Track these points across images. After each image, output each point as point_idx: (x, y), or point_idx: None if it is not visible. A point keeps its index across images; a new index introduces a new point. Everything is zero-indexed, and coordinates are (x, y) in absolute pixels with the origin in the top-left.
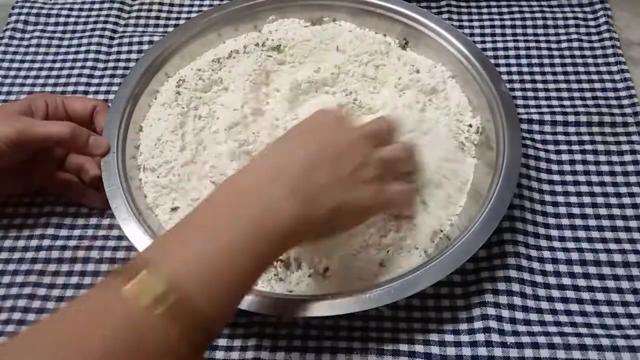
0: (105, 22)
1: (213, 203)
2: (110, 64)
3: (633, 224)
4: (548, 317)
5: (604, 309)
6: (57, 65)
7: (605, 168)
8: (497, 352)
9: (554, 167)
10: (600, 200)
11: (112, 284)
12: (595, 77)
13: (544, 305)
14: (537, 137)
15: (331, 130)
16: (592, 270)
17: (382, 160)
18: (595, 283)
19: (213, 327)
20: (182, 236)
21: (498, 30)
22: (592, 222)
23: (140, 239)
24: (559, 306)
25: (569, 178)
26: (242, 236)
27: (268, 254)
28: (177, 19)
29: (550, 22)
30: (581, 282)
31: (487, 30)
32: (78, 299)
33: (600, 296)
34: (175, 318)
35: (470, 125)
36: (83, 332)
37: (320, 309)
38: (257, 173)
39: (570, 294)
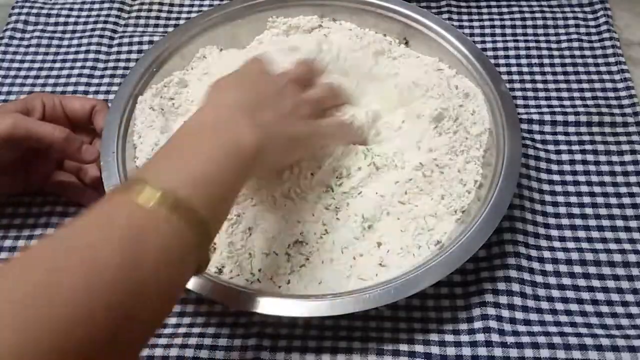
0: (105, 22)
1: (185, 133)
2: (110, 64)
3: (633, 224)
4: (548, 317)
5: (604, 309)
6: (57, 65)
7: (605, 168)
8: (497, 352)
9: (554, 167)
10: (600, 200)
11: (112, 199)
12: (595, 77)
13: (544, 305)
14: (537, 137)
15: (262, 79)
16: (592, 270)
17: (312, 100)
18: (595, 283)
19: (208, 227)
20: (166, 157)
21: (498, 30)
22: (592, 222)
23: None
24: (559, 306)
25: (569, 178)
26: (221, 151)
27: (242, 172)
28: (177, 19)
29: (550, 22)
30: (581, 282)
31: (487, 30)
32: (81, 214)
33: (600, 296)
34: (175, 215)
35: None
36: (88, 235)
37: (320, 309)
38: (214, 112)
39: (570, 294)
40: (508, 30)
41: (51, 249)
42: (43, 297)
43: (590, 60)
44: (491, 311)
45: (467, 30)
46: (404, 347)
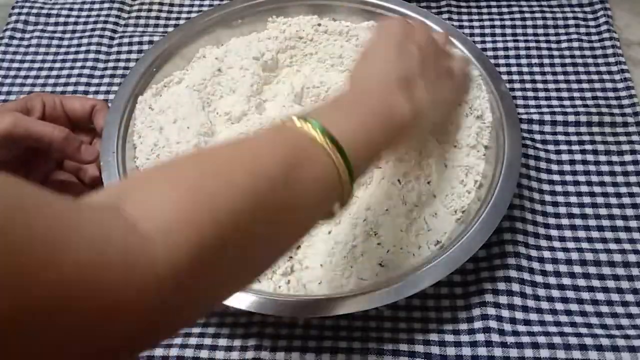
0: (105, 22)
1: (346, 96)
2: (110, 64)
3: (633, 224)
4: (548, 317)
5: (604, 309)
6: (57, 65)
7: (605, 168)
8: (497, 352)
9: (554, 167)
10: (600, 200)
11: (279, 125)
12: (595, 77)
13: (544, 305)
14: (537, 137)
15: (405, 46)
16: (592, 270)
17: (443, 51)
18: (595, 283)
19: (356, 169)
20: (327, 109)
21: (498, 30)
22: (592, 222)
23: None
24: (559, 306)
25: (569, 178)
26: (376, 119)
27: (389, 138)
28: (177, 19)
29: (550, 22)
30: (581, 282)
31: (487, 30)
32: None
33: (600, 296)
34: (335, 148)
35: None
36: (254, 147)
37: (320, 309)
38: (372, 81)
39: (570, 294)
40: (508, 30)
41: (218, 150)
42: (217, 187)
43: (590, 60)
44: (491, 311)
45: (467, 30)
46: (404, 347)
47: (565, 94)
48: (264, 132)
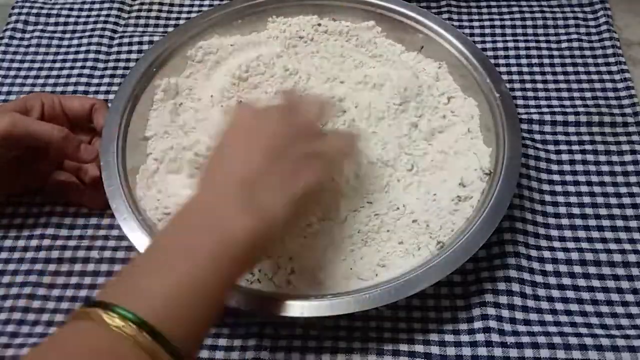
0: (105, 22)
1: (164, 241)
2: (110, 64)
3: (633, 224)
4: (548, 317)
5: (604, 309)
6: (57, 65)
7: (605, 168)
8: (497, 352)
9: (554, 167)
10: (600, 200)
11: (73, 323)
12: (595, 77)
13: (544, 305)
14: (537, 137)
15: (254, 128)
16: (592, 270)
17: (305, 129)
18: (595, 283)
19: (182, 353)
20: (139, 277)
21: (498, 30)
22: (592, 222)
23: (140, 239)
24: (559, 306)
25: (569, 178)
26: (202, 265)
27: (233, 273)
28: (177, 19)
29: (550, 22)
30: (581, 282)
31: (487, 30)
32: (48, 339)
33: (600, 296)
34: (144, 344)
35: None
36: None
37: (320, 309)
38: (202, 202)
39: (570, 294)
40: (508, 30)
41: None
42: None
43: (590, 60)
44: (491, 311)
45: (467, 30)
46: (404, 347)
47: (565, 94)
48: (62, 342)
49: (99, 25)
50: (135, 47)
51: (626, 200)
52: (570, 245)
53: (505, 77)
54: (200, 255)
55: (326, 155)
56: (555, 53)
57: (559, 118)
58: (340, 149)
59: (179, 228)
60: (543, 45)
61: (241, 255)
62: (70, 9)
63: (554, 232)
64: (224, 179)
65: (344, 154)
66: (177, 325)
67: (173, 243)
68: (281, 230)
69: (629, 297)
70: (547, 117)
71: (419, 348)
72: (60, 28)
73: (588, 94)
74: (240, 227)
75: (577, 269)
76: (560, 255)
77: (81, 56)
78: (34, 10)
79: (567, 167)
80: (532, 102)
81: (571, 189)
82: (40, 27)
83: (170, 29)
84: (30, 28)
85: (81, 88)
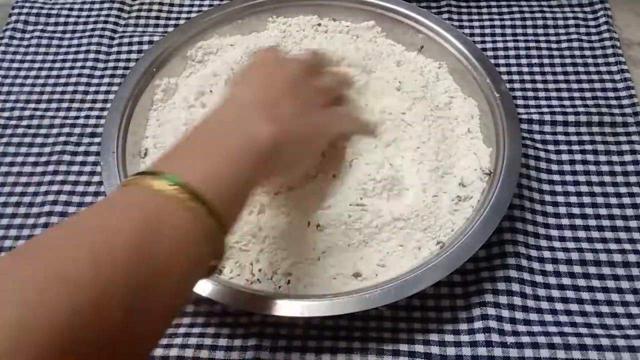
0: (105, 22)
1: (201, 130)
2: (110, 64)
3: (633, 224)
4: (548, 317)
5: (604, 309)
6: (57, 65)
7: (605, 168)
8: (497, 352)
9: (554, 167)
10: (600, 200)
11: (126, 186)
12: (595, 77)
13: (544, 305)
14: (537, 137)
15: (276, 69)
16: (592, 270)
17: (325, 88)
18: (595, 283)
19: (222, 219)
20: (181, 153)
21: (498, 30)
22: (592, 222)
23: None
24: (559, 306)
25: (569, 178)
26: (236, 147)
27: (259, 166)
28: (177, 19)
29: (550, 22)
30: (581, 282)
31: (487, 30)
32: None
33: (600, 296)
34: (190, 204)
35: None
36: (101, 219)
37: (320, 309)
38: (230, 109)
39: (570, 294)
40: (508, 30)
41: (63, 235)
42: (51, 287)
43: (590, 60)
44: (491, 311)
45: (467, 30)
46: (404, 347)
47: (565, 94)
48: (110, 201)
49: (99, 25)
50: (135, 47)
51: (626, 200)
52: (570, 245)
53: (505, 77)
54: (231, 149)
55: (339, 110)
56: (555, 53)
57: (559, 118)
58: (346, 120)
59: (206, 131)
60: (543, 45)
61: (265, 158)
62: (70, 9)
63: (554, 232)
64: (246, 98)
65: (356, 125)
66: (219, 195)
67: (207, 137)
68: (298, 147)
69: (629, 297)
70: (547, 117)
71: (419, 348)
72: (60, 28)
73: (588, 94)
74: (264, 132)
75: (577, 269)
76: (560, 255)
77: (81, 56)
78: (34, 10)
79: (567, 167)
80: (532, 102)
81: (571, 189)
82: (40, 27)
83: (170, 29)
84: (30, 28)
85: (81, 88)
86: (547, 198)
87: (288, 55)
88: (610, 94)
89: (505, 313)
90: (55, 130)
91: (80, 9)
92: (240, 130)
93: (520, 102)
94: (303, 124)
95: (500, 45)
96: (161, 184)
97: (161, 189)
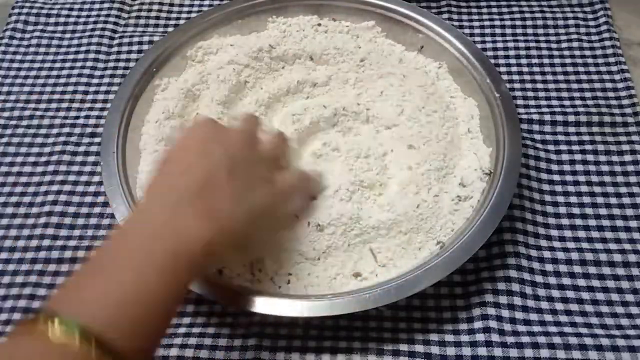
0: (105, 22)
1: (115, 244)
2: (110, 64)
3: (633, 224)
4: (548, 317)
5: (604, 309)
6: (57, 65)
7: (605, 168)
8: (497, 352)
9: (554, 167)
10: (600, 200)
11: (19, 334)
12: (595, 77)
13: (544, 305)
14: (537, 137)
15: (215, 142)
16: (592, 270)
17: (268, 157)
18: (595, 283)
19: (136, 357)
20: (84, 281)
21: (498, 30)
22: (592, 222)
23: None
24: (559, 306)
25: (569, 178)
26: (150, 270)
27: (183, 283)
28: (177, 19)
29: (550, 22)
30: (581, 282)
31: (487, 30)
32: None
33: (600, 296)
34: (93, 353)
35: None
36: None
37: (320, 309)
38: (156, 202)
39: (570, 294)
40: (508, 30)
41: None
42: None
43: (590, 60)
44: (491, 311)
45: (467, 30)
46: (404, 347)
47: (565, 94)
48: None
49: (99, 25)
50: (135, 47)
51: (626, 200)
52: (570, 245)
53: (505, 77)
54: (148, 265)
55: (281, 186)
56: (555, 53)
57: (559, 118)
58: (294, 185)
59: (128, 237)
60: (543, 45)
61: (194, 265)
62: (70, 9)
63: (554, 232)
64: (176, 188)
65: (301, 189)
66: (123, 336)
67: (121, 251)
68: (240, 238)
69: (629, 297)
70: (547, 117)
71: (419, 348)
72: (60, 28)
73: (588, 94)
74: (195, 235)
75: (577, 269)
76: (560, 255)
77: (81, 56)
78: (34, 10)
79: (567, 167)
80: (532, 102)
81: (571, 189)
82: (40, 27)
83: (170, 29)
84: (30, 28)
85: (81, 88)
86: (547, 198)
87: (224, 126)
88: (610, 94)
89: (505, 313)
90: (55, 130)
91: (80, 9)
92: (167, 231)
93: (520, 102)
94: (246, 210)
95: (500, 45)
96: (66, 336)
97: (67, 343)
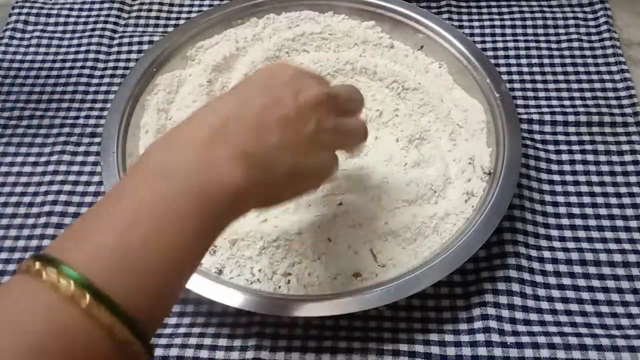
0: (105, 22)
1: (137, 173)
2: (110, 64)
3: (633, 224)
4: (548, 317)
5: (604, 309)
6: (57, 65)
7: (605, 168)
8: (497, 352)
9: (554, 167)
10: (600, 200)
11: (16, 282)
12: (595, 77)
13: (544, 305)
14: (537, 137)
15: (287, 85)
16: (592, 270)
17: (339, 131)
18: (595, 283)
19: (142, 320)
20: (93, 225)
21: (498, 30)
22: (592, 222)
23: None
24: (559, 306)
25: (569, 178)
26: (165, 214)
27: (202, 231)
28: (177, 19)
29: (550, 22)
30: (581, 282)
31: (487, 30)
32: None
33: (600, 296)
34: (93, 317)
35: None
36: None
37: (320, 309)
38: (195, 129)
39: (570, 294)
40: (508, 30)
41: None
42: None
43: (590, 60)
44: (491, 311)
45: (467, 30)
46: (404, 347)
47: (565, 94)
48: (5, 300)
49: (99, 25)
50: (135, 47)
51: (626, 200)
52: (570, 245)
53: (505, 77)
54: (163, 208)
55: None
56: (555, 53)
57: (559, 118)
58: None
59: (149, 168)
60: (543, 45)
61: (218, 215)
62: (70, 9)
63: (554, 232)
64: (222, 117)
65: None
66: (123, 286)
67: (137, 186)
68: (273, 198)
69: (629, 297)
70: (547, 117)
71: (419, 348)
72: (60, 28)
73: (588, 94)
74: (228, 182)
75: (577, 269)
76: (560, 255)
77: (81, 56)
78: (34, 10)
79: (567, 167)
80: (532, 102)
81: (571, 189)
82: (40, 27)
83: (170, 29)
84: (30, 28)
85: (81, 88)
86: (547, 198)
87: (308, 75)
88: (610, 94)
89: (505, 313)
90: (55, 130)
91: (80, 9)
92: (194, 169)
93: (520, 102)
94: (288, 163)
95: (500, 45)
96: (62, 284)
97: (62, 292)
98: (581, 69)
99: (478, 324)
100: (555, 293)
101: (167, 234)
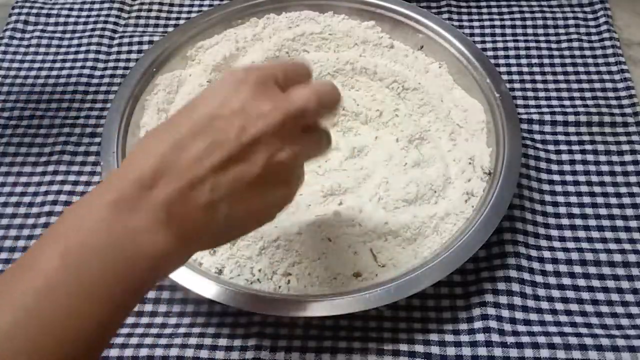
0: (105, 22)
1: (48, 244)
2: (110, 64)
3: (633, 224)
4: (548, 317)
5: (604, 309)
6: (57, 65)
7: (605, 168)
8: (497, 352)
9: (554, 167)
10: (600, 200)
11: None
12: (595, 77)
13: (544, 305)
14: (537, 137)
15: (235, 118)
16: (592, 270)
17: (300, 154)
18: (595, 283)
19: None
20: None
21: (498, 30)
22: (592, 222)
23: None
24: (559, 306)
25: (569, 178)
26: (74, 287)
27: (126, 299)
28: (177, 19)
29: (550, 22)
30: (581, 282)
31: (487, 30)
32: None
33: (600, 296)
34: None
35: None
36: None
37: (320, 309)
38: (118, 186)
39: (570, 294)
40: (508, 30)
41: None
42: None
43: (590, 60)
44: (491, 311)
45: (467, 30)
46: (404, 347)
47: (565, 94)
48: None
49: (99, 25)
50: (135, 47)
51: (626, 200)
52: (570, 245)
53: (505, 77)
54: (73, 280)
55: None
56: (555, 53)
57: (559, 118)
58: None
59: (63, 239)
60: (543, 45)
61: (143, 279)
62: (70, 9)
63: (554, 232)
64: (152, 164)
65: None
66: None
67: (49, 245)
68: (219, 242)
69: (629, 297)
70: (547, 117)
71: (419, 348)
72: (60, 28)
73: (588, 94)
74: (148, 245)
75: (577, 269)
76: (560, 255)
77: (81, 56)
78: (34, 10)
79: (567, 167)
80: (532, 102)
81: (571, 189)
82: (40, 27)
83: (170, 29)
84: (30, 28)
85: (81, 88)
86: (547, 198)
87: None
88: (610, 94)
89: (505, 313)
90: (55, 130)
91: (80, 9)
92: (107, 233)
93: (520, 102)
94: (228, 224)
95: (500, 45)
96: None
97: None
98: (581, 69)
99: (478, 324)
100: (555, 293)
101: (81, 314)
